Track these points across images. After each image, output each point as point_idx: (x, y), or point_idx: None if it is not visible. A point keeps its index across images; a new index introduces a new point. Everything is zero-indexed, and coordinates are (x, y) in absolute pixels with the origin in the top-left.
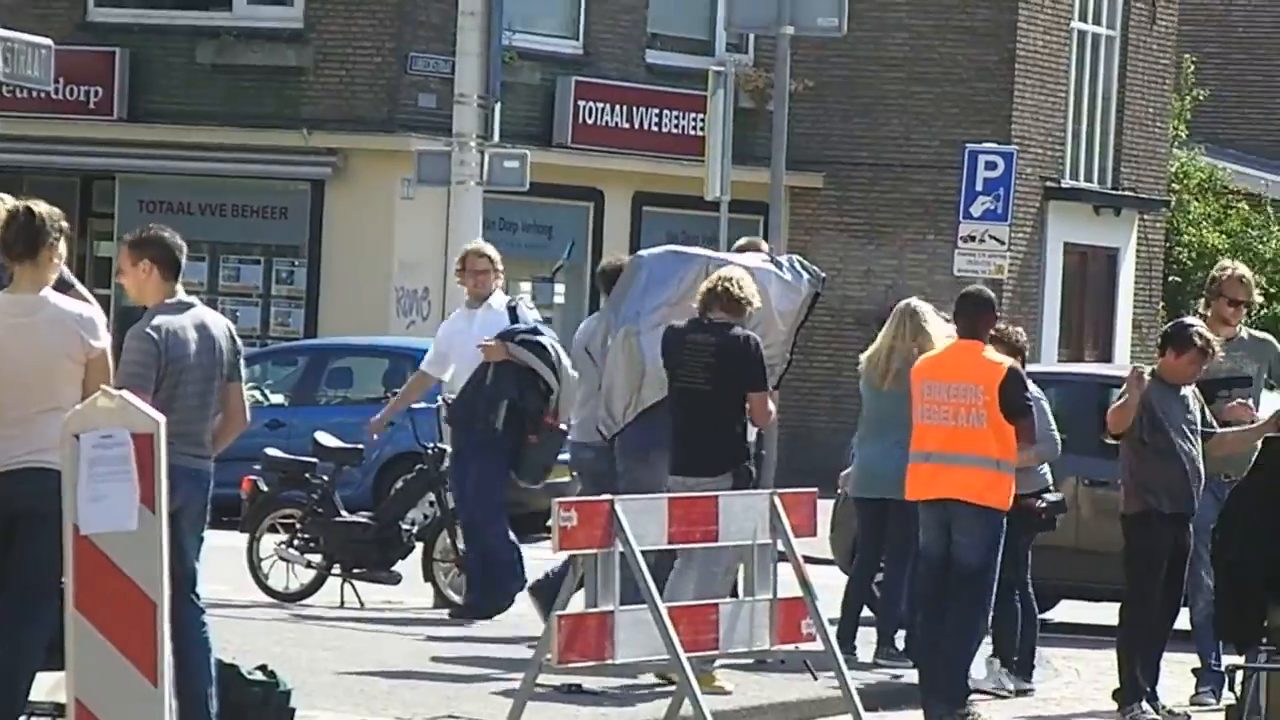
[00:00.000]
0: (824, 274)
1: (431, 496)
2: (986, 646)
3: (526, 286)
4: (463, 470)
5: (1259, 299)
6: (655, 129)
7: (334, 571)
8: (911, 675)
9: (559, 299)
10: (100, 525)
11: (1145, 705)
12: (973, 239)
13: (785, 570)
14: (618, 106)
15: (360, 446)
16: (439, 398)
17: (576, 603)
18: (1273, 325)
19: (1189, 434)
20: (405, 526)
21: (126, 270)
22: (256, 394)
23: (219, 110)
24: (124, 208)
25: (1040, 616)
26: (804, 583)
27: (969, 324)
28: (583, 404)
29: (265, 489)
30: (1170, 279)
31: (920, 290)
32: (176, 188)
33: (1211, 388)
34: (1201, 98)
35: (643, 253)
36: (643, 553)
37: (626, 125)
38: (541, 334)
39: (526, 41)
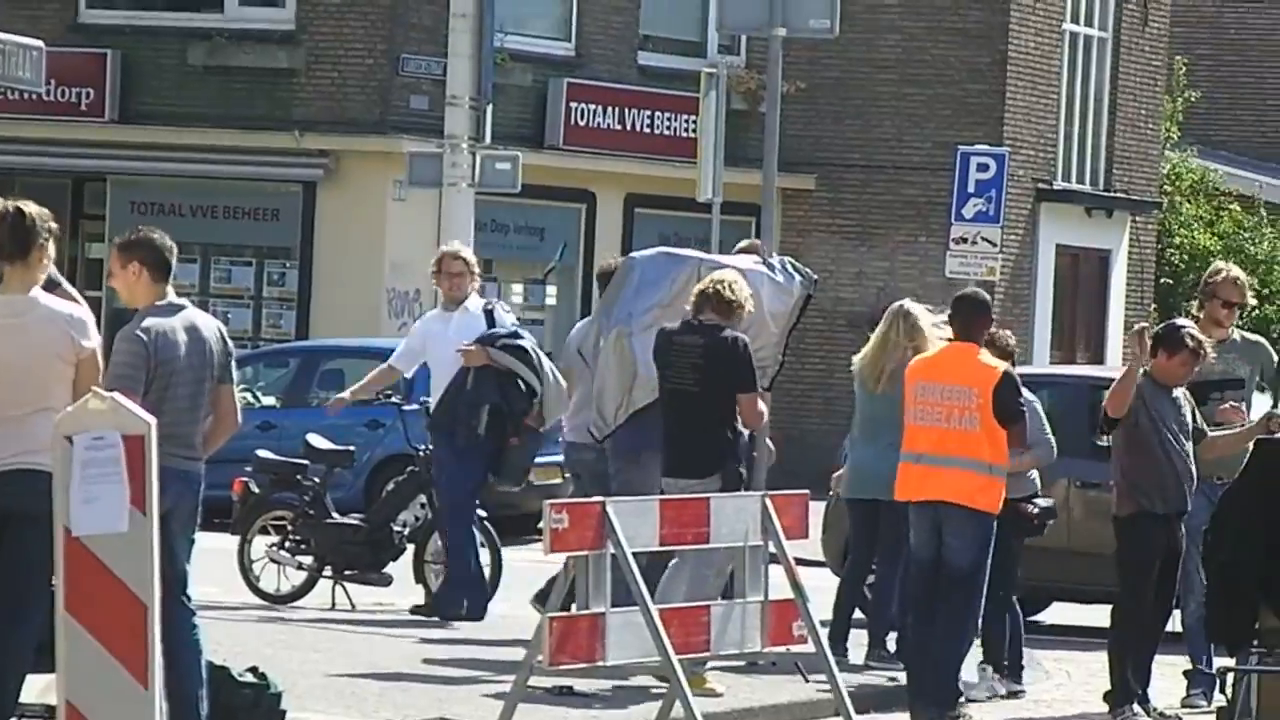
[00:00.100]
0: (816, 276)
1: (423, 498)
2: (978, 651)
3: (519, 288)
4: (440, 475)
5: (1251, 300)
6: (647, 131)
7: (325, 573)
8: (903, 677)
9: (551, 300)
10: (92, 527)
11: (1136, 707)
12: (965, 241)
13: (776, 572)
14: (609, 108)
15: (352, 449)
16: (423, 399)
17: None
18: (1264, 327)
19: (1181, 435)
20: (396, 528)
21: (116, 272)
22: (248, 396)
23: (210, 112)
24: (115, 209)
25: (1031, 618)
26: (795, 585)
27: (964, 326)
28: (581, 406)
29: (256, 491)
30: (1162, 281)
31: (912, 292)
32: (168, 189)
33: (1204, 390)
34: (1193, 99)
35: (635, 254)
36: (634, 554)
37: (618, 127)
38: (522, 337)
39: (518, 43)
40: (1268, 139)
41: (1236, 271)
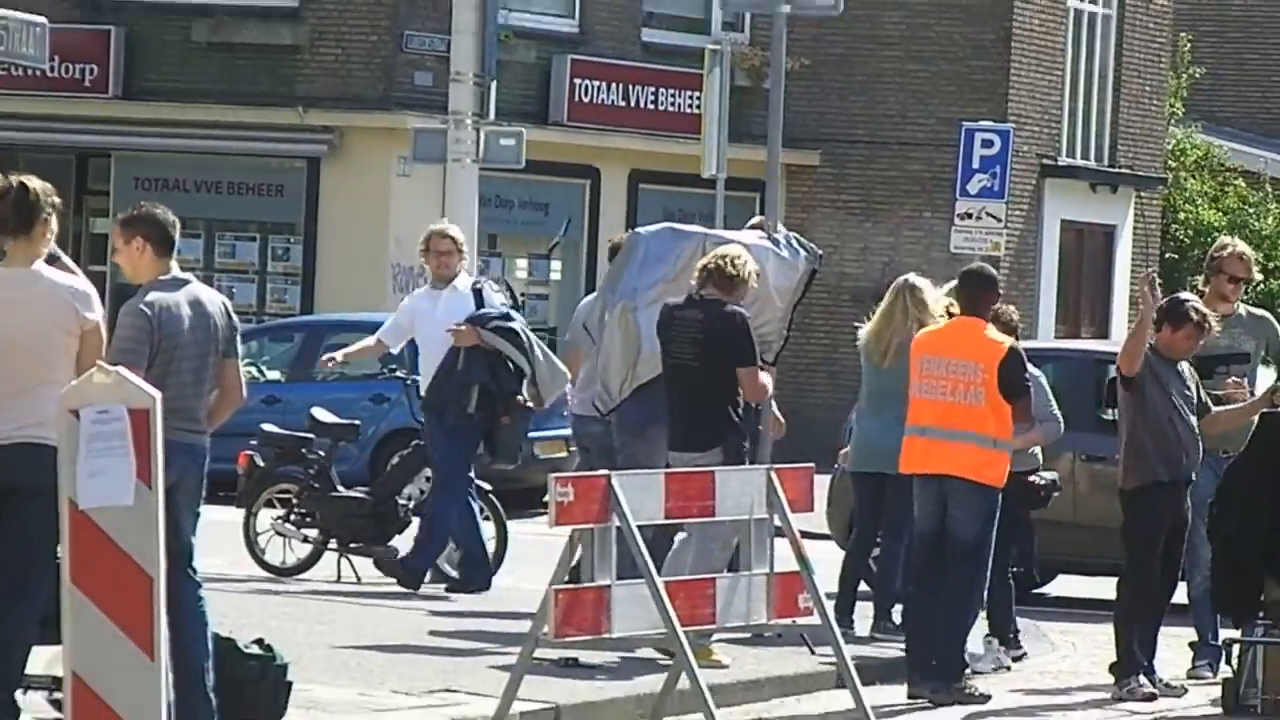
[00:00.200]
0: (821, 251)
1: (428, 472)
2: (984, 623)
3: (523, 264)
4: (434, 453)
5: (1256, 276)
6: (651, 107)
7: (330, 546)
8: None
9: (555, 276)
10: (97, 500)
11: (1142, 679)
12: (969, 216)
13: (782, 545)
14: (614, 85)
15: (357, 423)
16: (413, 378)
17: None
18: (1269, 302)
19: (1185, 407)
20: (401, 501)
21: (120, 248)
22: (253, 370)
23: (214, 88)
24: (119, 185)
25: (1037, 591)
26: (801, 557)
27: (970, 301)
28: (588, 381)
29: (262, 464)
30: (1167, 256)
31: (917, 267)
32: (172, 165)
33: (1209, 364)
34: (1198, 75)
35: (640, 230)
36: (639, 528)
37: (622, 103)
38: (513, 319)
39: (522, 20)
40: (1272, 115)
41: (1242, 247)
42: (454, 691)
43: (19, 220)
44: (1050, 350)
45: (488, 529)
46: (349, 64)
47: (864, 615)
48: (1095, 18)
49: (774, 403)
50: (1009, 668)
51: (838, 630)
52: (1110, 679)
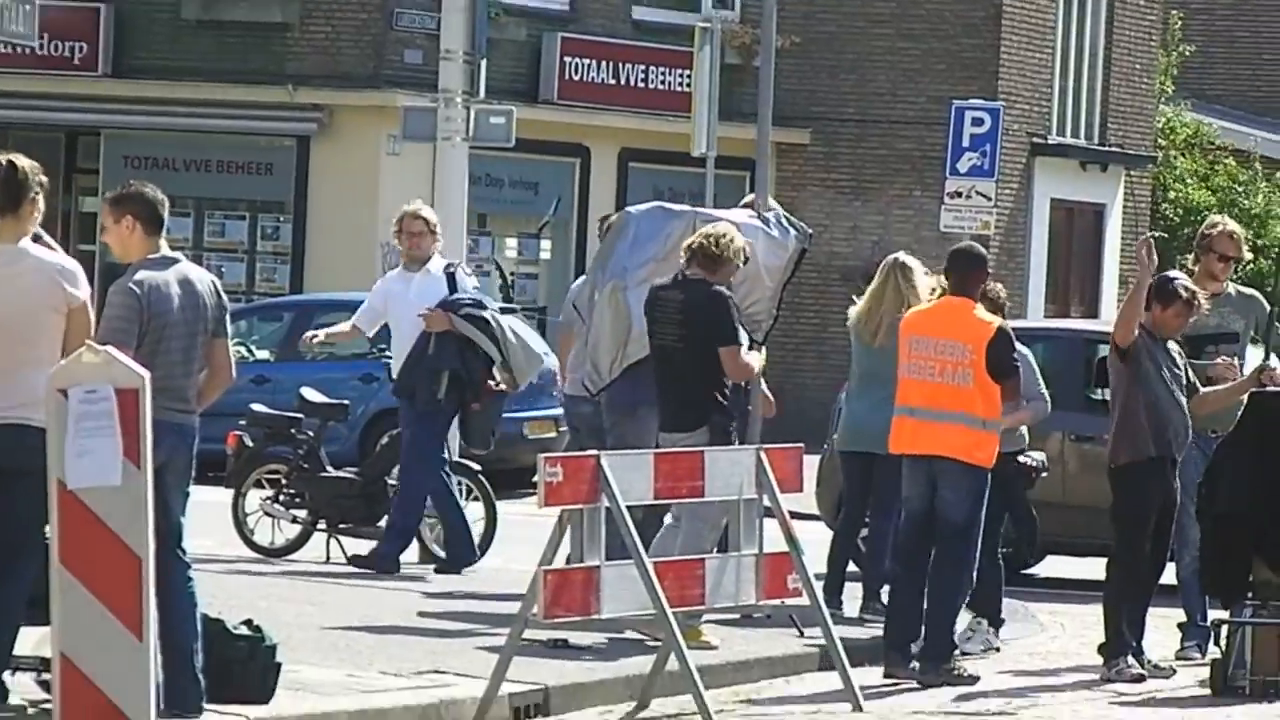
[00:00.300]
0: (810, 230)
1: None
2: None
3: (513, 243)
4: (405, 436)
5: (1246, 254)
6: (641, 85)
7: (319, 527)
8: None
9: (545, 255)
10: (85, 480)
11: (1131, 659)
12: (959, 195)
13: (771, 525)
14: (604, 63)
15: (346, 403)
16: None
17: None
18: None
19: (1174, 385)
20: (391, 482)
21: (109, 227)
22: (242, 350)
23: (204, 66)
24: (109, 164)
25: (1026, 571)
26: (790, 538)
27: (959, 281)
28: (579, 361)
29: (251, 444)
30: (1157, 235)
31: (906, 246)
32: (161, 143)
33: (1199, 343)
34: (1188, 53)
35: (630, 209)
36: (629, 508)
37: (613, 81)
38: (485, 307)
39: None
40: (1262, 93)
41: (1232, 225)
42: (443, 672)
43: (7, 198)
44: (1040, 330)
45: (476, 509)
46: (339, 42)
47: (853, 596)
48: None
49: (764, 382)
50: (998, 649)
51: (827, 611)
52: (1099, 660)
